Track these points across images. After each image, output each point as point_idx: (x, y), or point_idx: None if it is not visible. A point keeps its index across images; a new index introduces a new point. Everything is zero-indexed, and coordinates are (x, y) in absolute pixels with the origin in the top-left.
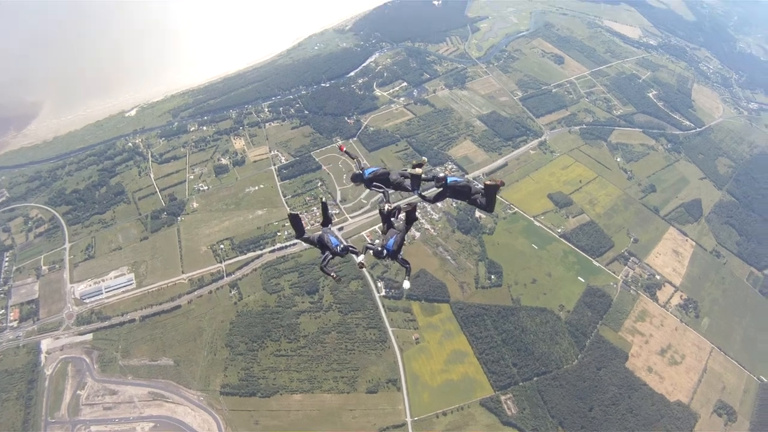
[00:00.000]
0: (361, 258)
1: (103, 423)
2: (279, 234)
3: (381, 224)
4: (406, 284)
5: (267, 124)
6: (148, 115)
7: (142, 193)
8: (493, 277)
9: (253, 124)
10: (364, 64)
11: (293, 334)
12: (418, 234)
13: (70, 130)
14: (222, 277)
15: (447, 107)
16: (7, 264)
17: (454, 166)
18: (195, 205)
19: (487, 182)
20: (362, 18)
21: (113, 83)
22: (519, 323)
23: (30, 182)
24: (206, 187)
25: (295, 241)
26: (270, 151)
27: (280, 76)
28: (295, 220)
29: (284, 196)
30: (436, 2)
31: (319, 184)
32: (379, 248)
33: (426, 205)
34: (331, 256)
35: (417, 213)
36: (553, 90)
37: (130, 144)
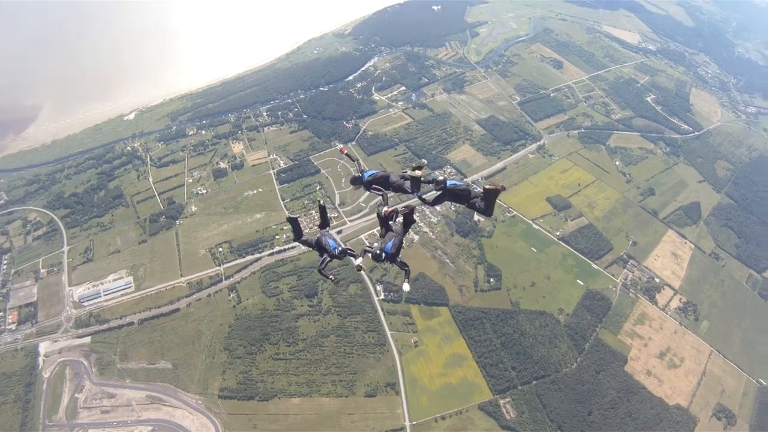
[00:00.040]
0: (359, 261)
1: (101, 426)
2: (278, 237)
3: (379, 227)
4: (406, 287)
5: (266, 128)
6: (146, 118)
7: (140, 196)
8: (492, 280)
9: (252, 128)
10: (363, 69)
11: (292, 338)
12: (416, 237)
13: (68, 133)
14: (221, 281)
15: (445, 111)
16: (5, 267)
17: (453, 170)
18: (194, 208)
19: (487, 186)
20: (362, 22)
21: (112, 87)
22: (518, 327)
23: (28, 185)
24: (205, 191)
25: (294, 244)
26: (269, 155)
27: (279, 80)
28: (294, 224)
29: (283, 200)
30: (435, 7)
31: (318, 187)
32: (378, 251)
33: (425, 209)
34: (329, 258)
35: (415, 216)
36: (552, 94)
37: (128, 148)
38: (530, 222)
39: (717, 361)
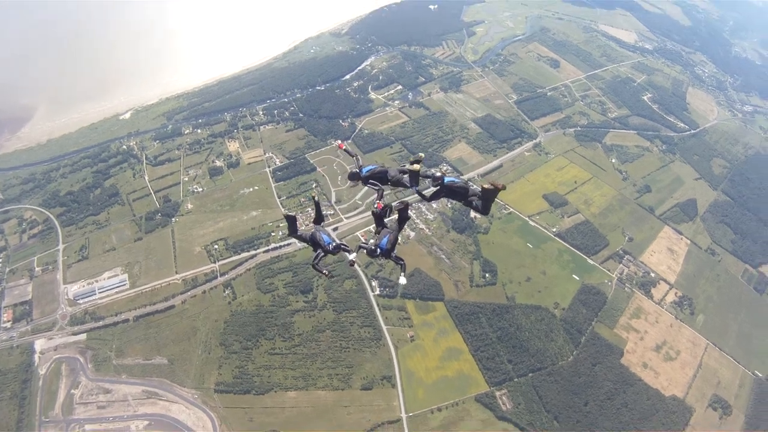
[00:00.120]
0: (352, 256)
1: (97, 422)
2: (273, 234)
3: (374, 225)
4: (402, 280)
5: (262, 126)
6: (142, 117)
7: (136, 194)
8: (487, 275)
9: (248, 126)
10: (360, 68)
11: (288, 333)
12: (412, 234)
13: (64, 132)
14: (216, 277)
15: (442, 110)
16: (0, 265)
17: (450, 168)
18: (189, 206)
19: (486, 186)
20: (359, 22)
21: (108, 86)
22: (514, 321)
23: (24, 184)
24: (201, 189)
25: (290, 241)
26: (265, 154)
27: (275, 79)
28: (290, 220)
29: (279, 198)
30: (432, 7)
31: (314, 185)
32: (373, 247)
33: (421, 206)
34: (323, 254)
35: (412, 213)
36: (548, 93)
37: (124, 146)
38: (526, 219)
39: (713, 353)
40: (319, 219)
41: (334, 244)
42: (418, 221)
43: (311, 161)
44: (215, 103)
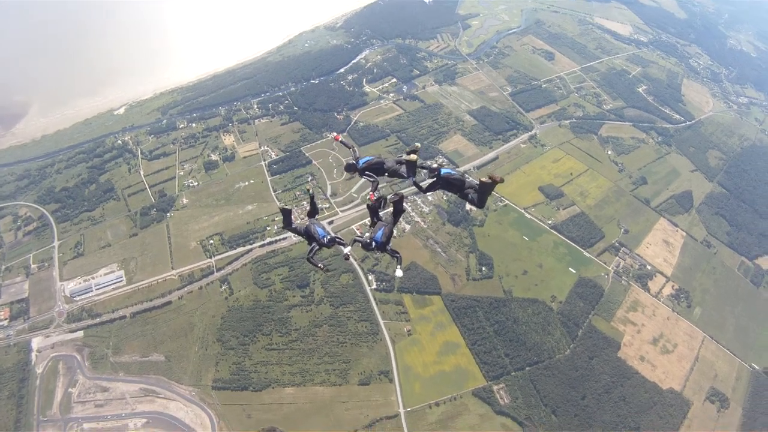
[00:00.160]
0: (347, 249)
1: (95, 420)
2: (269, 228)
3: (369, 218)
4: (399, 272)
5: (256, 120)
6: (136, 112)
7: (131, 189)
8: (484, 268)
9: (243, 120)
10: (354, 61)
11: (285, 328)
12: (408, 227)
13: (58, 128)
14: (212, 273)
15: (437, 102)
16: None
17: (445, 161)
18: (185, 200)
19: (484, 180)
20: (353, 15)
21: (101, 81)
22: (511, 314)
23: (19, 181)
24: (196, 183)
25: (285, 235)
26: (260, 147)
27: (269, 73)
28: (286, 214)
29: (274, 191)
30: (427, 0)
31: (310, 178)
32: (368, 240)
33: (416, 198)
34: (317, 247)
35: (407, 206)
36: (543, 85)
37: (119, 141)
38: (522, 211)
39: (710, 346)
40: (313, 212)
41: (328, 237)
42: (413, 214)
43: (306, 154)
44: (210, 98)
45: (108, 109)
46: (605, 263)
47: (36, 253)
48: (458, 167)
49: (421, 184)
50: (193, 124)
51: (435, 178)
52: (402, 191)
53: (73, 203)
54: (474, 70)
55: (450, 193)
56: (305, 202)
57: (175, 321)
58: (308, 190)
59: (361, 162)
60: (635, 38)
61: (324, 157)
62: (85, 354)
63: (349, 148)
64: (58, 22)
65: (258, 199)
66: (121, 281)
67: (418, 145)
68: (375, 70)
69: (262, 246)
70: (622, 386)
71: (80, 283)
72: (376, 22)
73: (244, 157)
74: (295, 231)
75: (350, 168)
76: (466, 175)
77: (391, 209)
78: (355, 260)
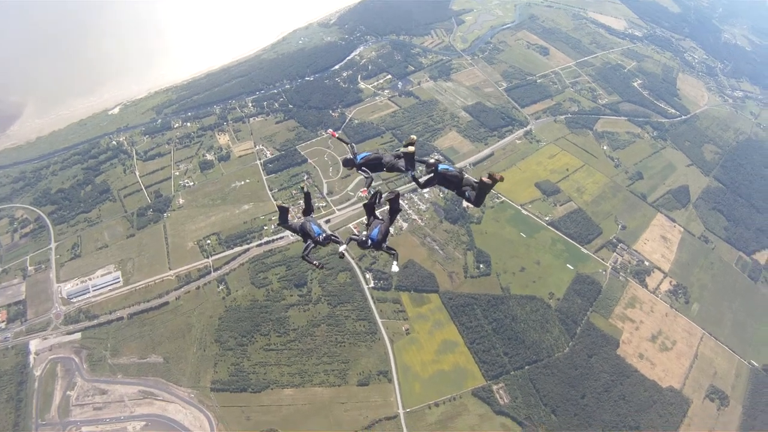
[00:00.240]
0: (342, 247)
1: (94, 423)
2: (266, 228)
3: (366, 216)
4: (395, 267)
5: (251, 119)
6: (131, 112)
7: (127, 190)
8: (481, 266)
9: (238, 119)
10: (349, 58)
11: (283, 328)
12: (405, 225)
13: (53, 129)
14: (209, 273)
15: (432, 99)
16: None
17: (441, 158)
18: (181, 201)
19: (484, 179)
20: (347, 11)
21: (96, 82)
22: (509, 312)
23: (14, 183)
24: (192, 183)
25: (282, 234)
26: (255, 146)
27: (264, 71)
28: (282, 211)
29: (270, 190)
30: None
31: (306, 177)
32: (364, 238)
33: (413, 196)
34: (313, 244)
35: (404, 203)
36: (538, 80)
37: (114, 142)
38: (519, 207)
39: (709, 343)
40: (308, 210)
41: (324, 235)
42: (410, 212)
43: (302, 153)
44: (204, 96)
45: (103, 109)
46: (603, 259)
47: (33, 255)
48: (454, 164)
49: (418, 179)
50: (188, 124)
51: (432, 174)
52: (398, 189)
53: (70, 205)
54: (469, 65)
55: (447, 191)
56: (302, 201)
57: (173, 322)
58: (302, 188)
59: (359, 158)
60: (629, 33)
61: (319, 155)
62: (83, 356)
63: (347, 144)
64: (52, 22)
65: (254, 198)
66: (118, 282)
67: (414, 137)
68: (370, 67)
69: (259, 245)
70: (621, 385)
71: (77, 284)
72: (369, 19)
73: (240, 157)
74: (291, 228)
75: (348, 163)
76: (464, 172)
77: (387, 207)
78: (353, 258)
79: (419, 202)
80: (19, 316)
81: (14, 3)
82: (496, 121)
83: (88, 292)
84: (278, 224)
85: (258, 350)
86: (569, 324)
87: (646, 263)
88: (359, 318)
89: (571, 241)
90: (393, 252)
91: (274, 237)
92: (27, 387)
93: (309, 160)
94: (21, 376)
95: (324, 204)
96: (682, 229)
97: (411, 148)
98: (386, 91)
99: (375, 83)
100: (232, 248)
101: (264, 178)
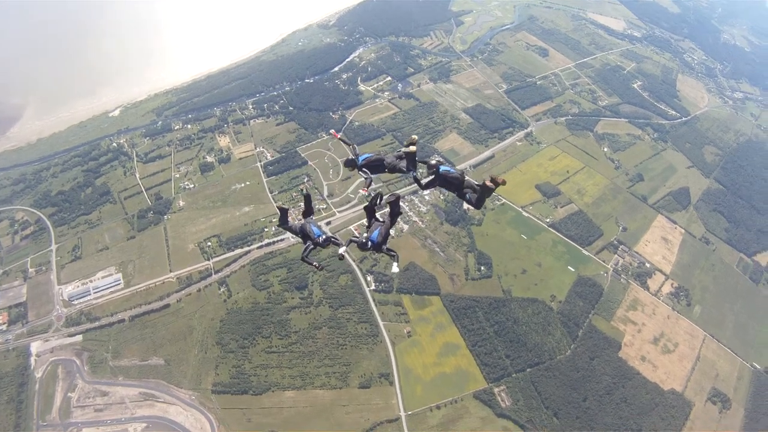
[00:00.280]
0: (342, 249)
1: (94, 425)
2: (266, 230)
3: (366, 219)
4: (395, 269)
5: (252, 121)
6: (131, 114)
7: (127, 192)
8: (482, 268)
9: (238, 121)
10: (348, 59)
11: (284, 331)
12: (406, 227)
13: (53, 131)
14: (210, 275)
15: (432, 101)
16: None
17: (442, 159)
18: (181, 203)
19: (487, 183)
20: (346, 13)
21: (96, 84)
22: (511, 314)
23: (14, 185)
24: (192, 185)
25: (283, 236)
26: (255, 148)
27: (263, 73)
28: (282, 212)
29: (271, 192)
30: None
31: (306, 179)
32: (363, 240)
33: (414, 198)
34: (312, 246)
35: (405, 205)
36: (538, 82)
37: (114, 144)
38: (520, 209)
39: (711, 345)
40: (308, 212)
41: (324, 236)
42: (411, 214)
43: (302, 155)
44: (204, 98)
45: (103, 111)
46: (604, 261)
47: (33, 257)
48: (455, 166)
49: (420, 180)
50: (188, 126)
51: (433, 175)
52: (398, 191)
53: (70, 207)
54: (468, 67)
55: (447, 193)
56: (302, 203)
57: (174, 324)
58: (302, 190)
59: (360, 159)
60: (629, 33)
61: (320, 157)
62: (84, 358)
63: (349, 145)
64: (53, 23)
65: (255, 200)
66: (119, 284)
67: (415, 137)
68: (369, 69)
69: (260, 248)
70: (623, 387)
71: (78, 286)
72: (369, 20)
73: (240, 159)
74: (291, 229)
75: (350, 164)
76: (465, 174)
77: (388, 210)
78: (354, 261)
79: (420, 204)
80: (20, 318)
81: (14, 3)
82: (496, 123)
83: (89, 294)
84: (278, 225)
85: (259, 353)
86: (571, 326)
87: (647, 265)
88: (361, 320)
89: (572, 243)
90: (393, 254)
91: (275, 239)
92: (28, 389)
93: (309, 162)
94: (22, 377)
95: (324, 206)
96: (683, 231)
97: (412, 148)
98: (386, 93)
99: (375, 85)
100: (233, 250)
101: (264, 180)
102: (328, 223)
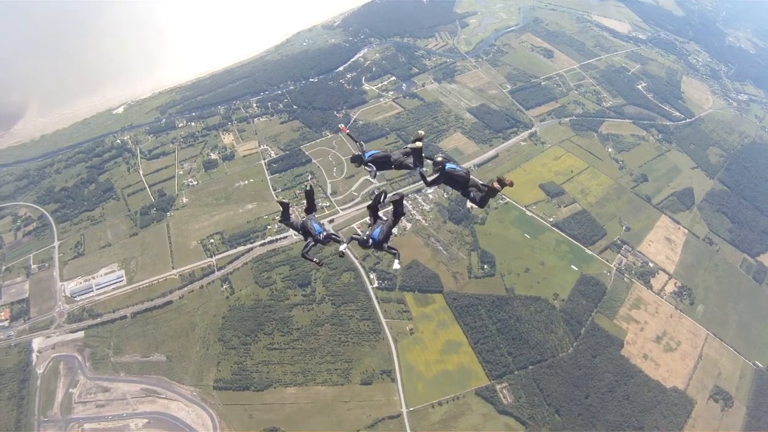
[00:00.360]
0: (342, 247)
1: (96, 420)
2: (269, 227)
3: (369, 217)
4: (396, 265)
5: (256, 119)
6: (135, 112)
7: (131, 189)
8: (486, 266)
9: (242, 119)
10: (353, 59)
11: (286, 327)
12: (409, 225)
13: (57, 128)
14: (213, 272)
15: (436, 100)
16: None
17: (447, 156)
18: (184, 200)
19: (495, 184)
20: (351, 14)
21: (100, 81)
22: (513, 312)
23: (18, 181)
24: (196, 182)
25: (285, 234)
26: (259, 146)
27: (268, 72)
28: (284, 207)
29: (274, 190)
30: None
31: (310, 177)
32: (365, 237)
33: (417, 196)
34: (313, 242)
35: (408, 203)
36: (543, 83)
37: (118, 141)
38: (523, 209)
39: (713, 344)
40: (310, 209)
41: (324, 233)
42: (414, 212)
43: (306, 153)
44: (208, 97)
45: (107, 108)
46: (607, 261)
47: (36, 253)
48: (460, 165)
49: (426, 177)
50: (192, 123)
51: (439, 173)
52: (402, 190)
53: (73, 203)
54: (473, 68)
55: (451, 191)
56: (305, 201)
57: (176, 321)
58: (305, 187)
59: (367, 155)
60: (633, 36)
61: (324, 155)
62: (86, 354)
63: (356, 141)
64: (56, 21)
65: (258, 198)
66: (121, 281)
67: (422, 132)
68: (374, 69)
69: (263, 245)
70: (625, 385)
71: (81, 283)
72: (373, 21)
73: (244, 156)
74: (292, 226)
75: (356, 159)
76: (470, 173)
77: (391, 209)
78: (356, 258)
79: (423, 203)
80: (23, 314)
81: (14, 3)
82: (500, 123)
83: (92, 291)
84: (279, 221)
85: (261, 349)
86: (574, 324)
87: (651, 264)
88: (363, 318)
89: (575, 242)
90: (394, 251)
91: (278, 236)
92: (30, 384)
93: (313, 160)
94: (24, 373)
95: (328, 204)
96: (686, 231)
97: (419, 144)
98: (390, 92)
99: (379, 85)
100: (236, 247)
101: (268, 177)
102: (331, 221)
